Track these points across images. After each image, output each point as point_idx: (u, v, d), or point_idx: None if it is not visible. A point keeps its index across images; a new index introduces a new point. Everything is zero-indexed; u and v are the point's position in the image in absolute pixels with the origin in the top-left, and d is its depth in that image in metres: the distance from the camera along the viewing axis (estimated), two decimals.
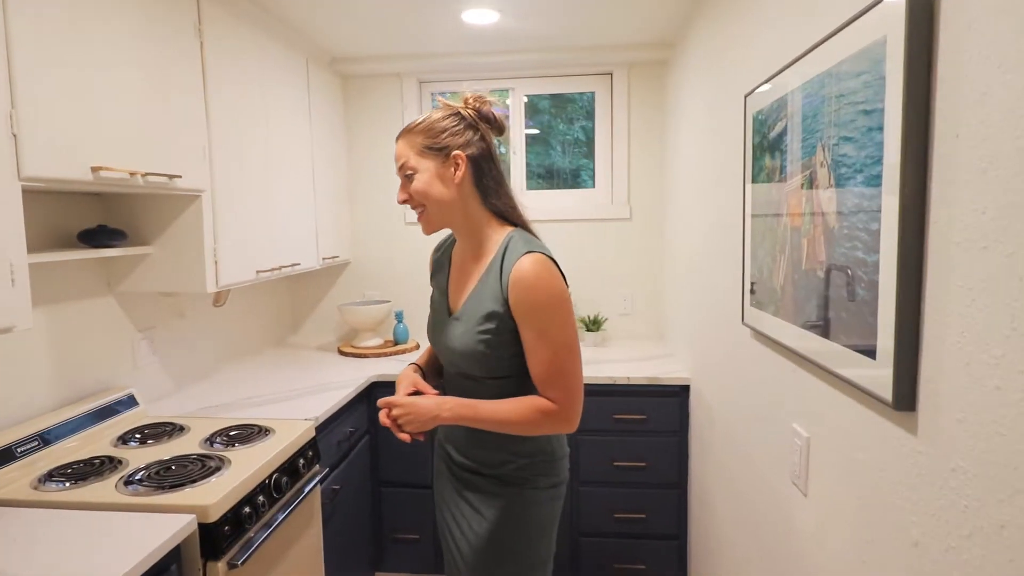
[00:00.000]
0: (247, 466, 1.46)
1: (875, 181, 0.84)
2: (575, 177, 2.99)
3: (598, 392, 2.30)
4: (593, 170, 2.93)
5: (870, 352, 0.86)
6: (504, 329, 1.18)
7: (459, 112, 1.23)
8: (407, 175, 1.22)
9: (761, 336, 1.41)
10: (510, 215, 1.27)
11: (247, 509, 1.40)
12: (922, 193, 0.76)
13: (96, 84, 1.35)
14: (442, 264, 1.39)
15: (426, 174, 1.20)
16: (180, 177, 1.59)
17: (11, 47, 1.14)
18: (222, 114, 1.84)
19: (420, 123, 1.22)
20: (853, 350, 0.92)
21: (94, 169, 1.32)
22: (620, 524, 2.34)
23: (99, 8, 1.36)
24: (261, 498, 1.46)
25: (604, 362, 2.48)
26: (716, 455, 1.88)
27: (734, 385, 1.67)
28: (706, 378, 2.02)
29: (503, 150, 2.97)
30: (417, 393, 1.27)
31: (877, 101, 0.83)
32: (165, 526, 1.19)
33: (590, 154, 2.95)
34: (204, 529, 1.27)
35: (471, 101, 1.24)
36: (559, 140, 2.99)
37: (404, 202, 1.24)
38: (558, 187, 2.99)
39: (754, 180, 1.41)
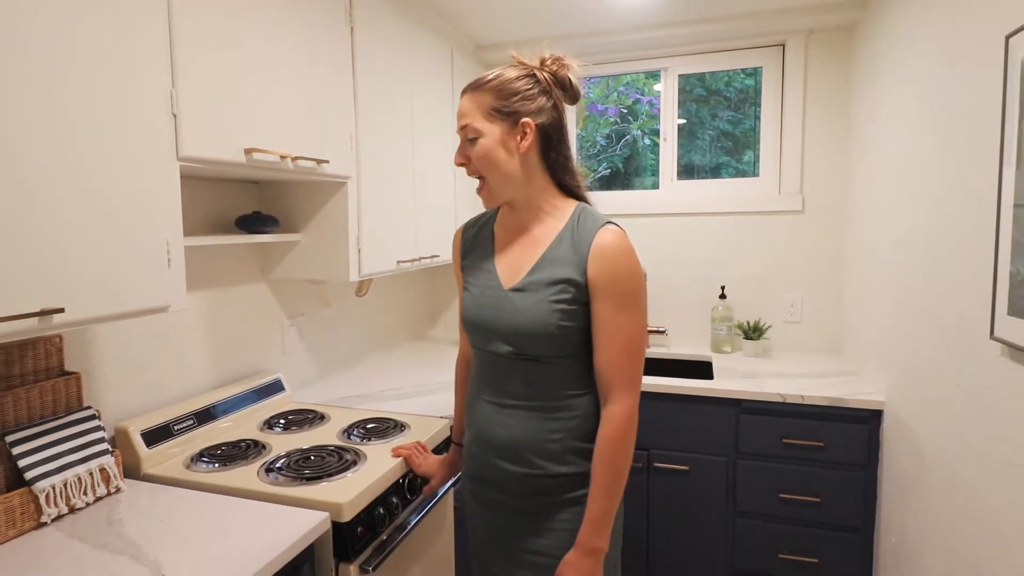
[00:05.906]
0: (382, 463, 1.39)
1: None
2: (714, 173, 2.66)
3: (762, 411, 1.98)
4: (735, 165, 2.58)
5: None
6: (578, 300, 1.08)
7: (534, 73, 1.11)
8: (469, 138, 1.10)
9: None
10: (576, 192, 1.16)
11: (380, 510, 1.32)
12: None
13: (248, 67, 1.33)
14: (482, 239, 1.24)
15: (490, 139, 1.08)
16: (328, 162, 1.57)
17: (173, 27, 1.14)
18: (369, 101, 1.80)
19: (491, 80, 1.09)
20: None
21: (247, 151, 1.30)
22: (786, 567, 2.00)
23: None
24: (394, 499, 1.38)
25: (768, 376, 2.14)
26: (929, 507, 1.50)
27: (968, 419, 1.30)
28: (912, 403, 1.63)
29: (648, 141, 2.72)
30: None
31: None
32: (300, 523, 1.13)
33: (734, 150, 2.60)
34: (337, 528, 1.20)
35: (549, 62, 1.13)
36: (705, 133, 2.67)
37: (461, 165, 1.12)
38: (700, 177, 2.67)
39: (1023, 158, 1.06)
